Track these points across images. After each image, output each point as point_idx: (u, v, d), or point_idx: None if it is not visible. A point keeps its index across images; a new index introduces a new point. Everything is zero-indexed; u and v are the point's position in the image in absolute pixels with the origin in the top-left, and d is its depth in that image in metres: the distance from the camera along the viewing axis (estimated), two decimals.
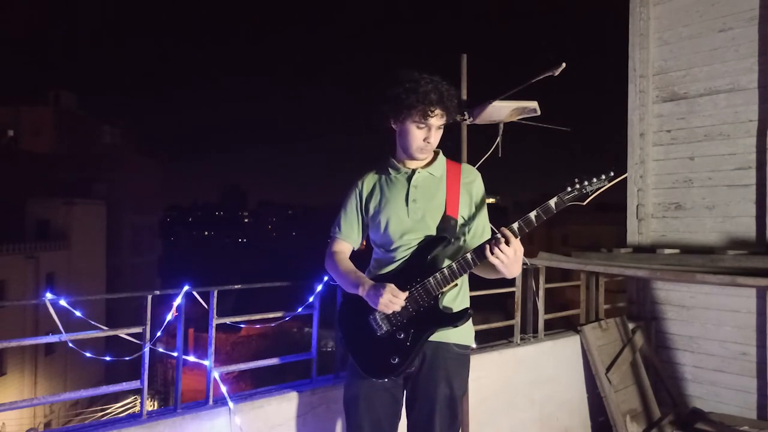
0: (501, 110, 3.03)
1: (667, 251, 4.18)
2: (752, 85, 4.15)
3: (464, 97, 3.03)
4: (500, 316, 4.76)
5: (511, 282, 3.98)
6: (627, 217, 4.77)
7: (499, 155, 3.14)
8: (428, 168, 2.12)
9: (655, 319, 4.57)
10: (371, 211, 2.14)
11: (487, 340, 3.92)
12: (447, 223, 2.03)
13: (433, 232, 2.03)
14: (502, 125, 3.17)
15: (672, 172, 4.59)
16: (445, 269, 1.93)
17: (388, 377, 2.00)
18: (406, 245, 2.05)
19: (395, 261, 2.06)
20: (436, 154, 2.16)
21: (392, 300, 1.90)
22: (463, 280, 2.08)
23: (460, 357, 2.07)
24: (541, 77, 2.71)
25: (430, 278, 1.93)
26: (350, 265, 2.15)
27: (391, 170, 2.15)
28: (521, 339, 3.95)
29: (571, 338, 4.13)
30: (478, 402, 3.36)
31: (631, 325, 4.39)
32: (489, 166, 3.04)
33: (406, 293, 1.93)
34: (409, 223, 2.05)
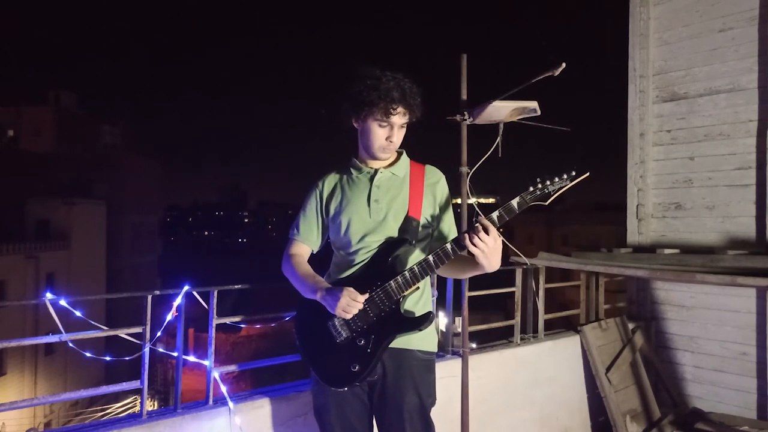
0: (501, 110, 3.03)
1: (667, 251, 4.18)
2: (752, 85, 4.15)
3: (464, 97, 3.03)
4: (500, 316, 4.77)
5: (511, 282, 3.98)
6: (627, 217, 4.77)
7: (499, 155, 3.13)
8: (391, 168, 2.06)
9: (655, 319, 4.57)
10: (332, 211, 2.08)
11: (487, 340, 3.93)
12: (409, 224, 1.98)
13: (395, 234, 1.97)
14: (502, 125, 3.17)
15: (672, 172, 4.59)
16: (406, 272, 1.87)
17: (349, 386, 1.93)
18: (366, 248, 1.98)
19: (355, 264, 2.00)
20: (399, 154, 2.10)
21: (350, 303, 1.84)
22: (425, 284, 2.02)
23: (425, 363, 2.01)
24: (541, 77, 2.71)
25: (391, 281, 1.87)
26: (308, 269, 2.08)
27: (353, 170, 2.09)
28: (521, 339, 3.95)
29: (571, 338, 4.13)
30: (478, 402, 3.35)
31: (631, 325, 4.40)
32: (489, 166, 3.04)
33: (365, 295, 1.87)
34: (370, 224, 1.99)
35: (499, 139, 3.12)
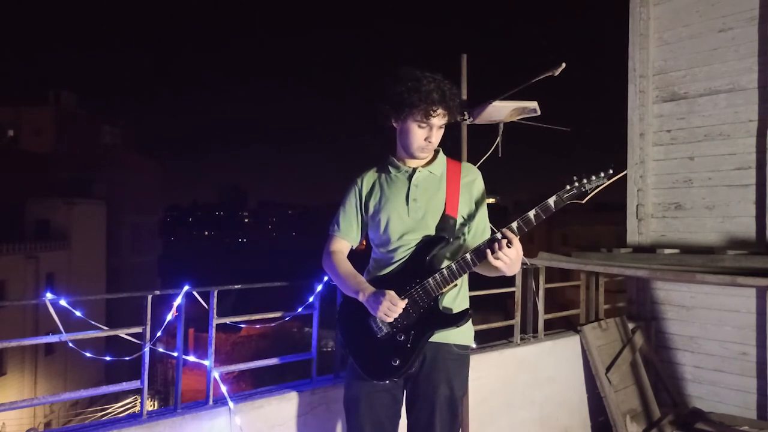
0: (501, 110, 3.03)
1: (667, 251, 4.18)
2: (752, 85, 4.15)
3: (464, 97, 3.03)
4: (500, 316, 4.76)
5: (511, 282, 3.98)
6: (627, 217, 4.77)
7: (500, 155, 3.14)
8: (429, 167, 2.11)
9: (655, 319, 4.57)
10: (371, 209, 2.13)
11: (487, 340, 3.92)
12: (446, 222, 2.02)
13: (433, 232, 2.02)
14: (502, 125, 3.17)
15: (672, 172, 4.58)
16: (444, 270, 1.92)
17: (389, 379, 1.99)
18: (405, 245, 2.03)
19: (394, 262, 2.05)
20: (436, 152, 2.14)
21: (391, 308, 1.90)
22: (463, 280, 2.07)
23: (461, 357, 2.07)
24: (541, 77, 2.71)
25: (430, 279, 1.93)
26: (349, 268, 2.12)
27: (391, 168, 2.13)
28: (521, 339, 3.95)
29: (571, 338, 4.13)
30: (478, 402, 3.36)
31: (631, 325, 4.39)
32: (489, 166, 3.04)
33: (405, 301, 1.92)
34: (409, 223, 2.04)
35: (499, 139, 3.12)
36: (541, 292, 4.08)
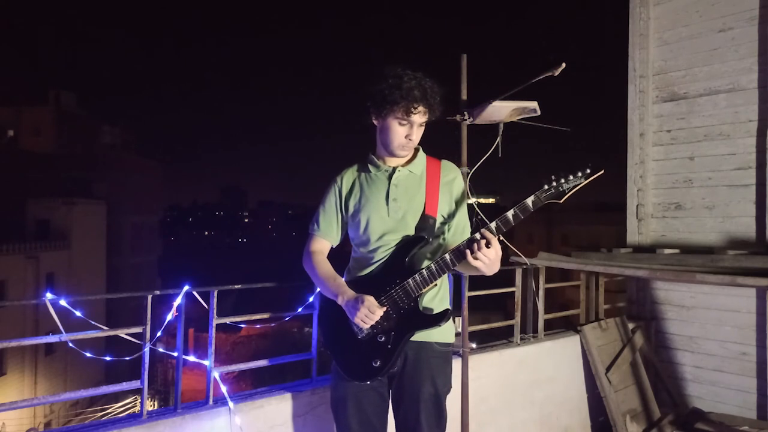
0: (501, 110, 3.02)
1: (667, 251, 4.18)
2: (752, 85, 4.15)
3: (464, 97, 3.03)
4: (500, 316, 4.77)
5: (511, 282, 3.98)
6: (627, 217, 4.77)
7: (499, 155, 3.13)
8: (408, 166, 2.09)
9: (655, 319, 4.57)
10: (351, 209, 2.11)
11: (487, 340, 3.92)
12: (426, 222, 2.01)
13: (413, 232, 2.01)
14: (502, 125, 3.16)
15: (672, 172, 4.59)
16: (424, 270, 1.92)
17: (371, 380, 1.99)
18: (385, 246, 2.03)
19: (374, 262, 2.04)
20: (416, 150, 2.13)
21: (368, 315, 1.90)
22: (443, 280, 2.06)
23: (443, 354, 2.07)
24: (541, 77, 2.71)
25: (409, 280, 1.92)
26: (329, 270, 2.11)
27: (371, 167, 2.12)
28: (521, 339, 3.95)
29: (571, 338, 4.13)
30: (478, 402, 3.35)
31: (631, 325, 4.39)
32: (489, 166, 3.04)
33: (384, 309, 1.92)
34: (389, 223, 2.03)
35: (498, 139, 3.12)
36: (541, 292, 4.08)
